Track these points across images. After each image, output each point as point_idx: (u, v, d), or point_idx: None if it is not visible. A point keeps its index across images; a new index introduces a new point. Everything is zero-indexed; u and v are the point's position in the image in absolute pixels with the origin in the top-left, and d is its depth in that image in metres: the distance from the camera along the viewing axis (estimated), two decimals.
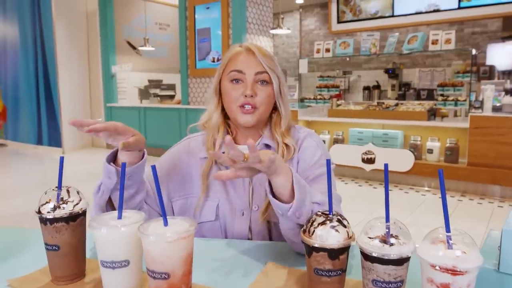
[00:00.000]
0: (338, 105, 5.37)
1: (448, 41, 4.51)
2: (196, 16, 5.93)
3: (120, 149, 0.89)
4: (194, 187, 1.14)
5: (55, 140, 7.23)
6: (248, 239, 1.11)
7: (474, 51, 4.57)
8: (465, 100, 4.44)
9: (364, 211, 3.55)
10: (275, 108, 1.14)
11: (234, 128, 1.16)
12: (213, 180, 1.12)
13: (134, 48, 7.86)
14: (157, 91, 7.38)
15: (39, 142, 7.55)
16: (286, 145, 1.11)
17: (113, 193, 0.97)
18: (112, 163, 0.93)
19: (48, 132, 7.35)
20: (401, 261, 0.67)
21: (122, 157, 0.94)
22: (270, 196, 0.87)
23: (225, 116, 1.15)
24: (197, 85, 6.12)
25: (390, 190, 4.25)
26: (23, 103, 7.78)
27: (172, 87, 7.56)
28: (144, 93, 7.51)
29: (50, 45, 7.00)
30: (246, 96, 1.05)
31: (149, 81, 7.68)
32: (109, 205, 0.99)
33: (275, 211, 0.89)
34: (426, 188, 4.49)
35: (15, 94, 7.95)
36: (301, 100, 5.72)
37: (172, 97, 7.41)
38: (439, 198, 4.14)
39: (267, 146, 1.13)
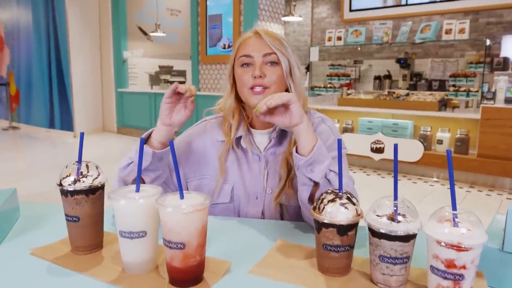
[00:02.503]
0: (348, 94, 5.35)
1: (462, 30, 4.46)
2: (207, 2, 5.91)
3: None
4: (210, 169, 1.17)
5: (67, 124, 7.33)
6: None
7: (488, 42, 4.51)
8: (477, 91, 4.40)
9: (371, 200, 3.55)
10: (287, 91, 1.15)
11: (250, 113, 1.17)
12: (229, 164, 1.15)
13: (145, 33, 7.88)
14: (168, 77, 7.40)
15: (51, 125, 7.65)
16: None
17: (144, 173, 1.02)
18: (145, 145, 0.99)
19: (60, 116, 7.44)
20: (408, 238, 0.70)
21: (157, 136, 1.01)
22: (294, 151, 0.95)
23: (240, 101, 1.16)
24: (207, 71, 6.13)
25: (399, 180, 4.23)
26: (36, 87, 7.88)
27: (182, 73, 7.58)
28: (154, 79, 7.54)
29: (62, 30, 7.05)
30: (255, 77, 1.07)
31: (160, 67, 7.69)
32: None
33: (295, 165, 0.97)
34: (435, 179, 4.48)
35: (28, 78, 8.04)
36: (311, 88, 5.70)
37: (182, 83, 7.42)
38: (447, 188, 4.13)
39: (283, 131, 1.14)
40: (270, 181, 1.13)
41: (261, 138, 1.17)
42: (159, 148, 1.01)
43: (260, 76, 1.07)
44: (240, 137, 1.15)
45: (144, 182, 1.03)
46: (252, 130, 1.18)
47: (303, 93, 1.15)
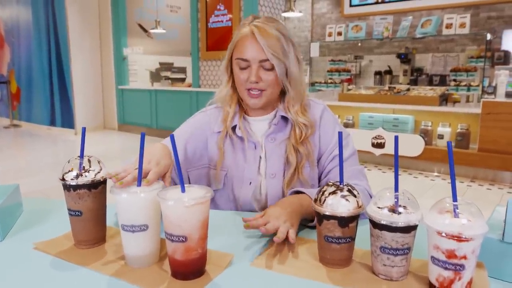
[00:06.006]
0: (348, 90, 5.34)
1: (462, 25, 4.44)
2: None
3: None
4: (208, 158, 1.19)
5: (67, 121, 7.33)
6: (254, 208, 1.16)
7: (489, 36, 4.49)
8: (478, 86, 4.39)
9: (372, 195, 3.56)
10: (283, 90, 1.17)
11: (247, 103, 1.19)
12: (225, 151, 1.18)
13: (145, 30, 7.86)
14: (168, 74, 7.39)
15: (52, 123, 7.66)
16: (303, 124, 1.15)
17: None
18: None
19: (61, 113, 7.44)
20: (409, 229, 0.70)
21: None
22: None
23: (237, 90, 1.19)
24: (208, 68, 6.13)
25: (399, 175, 4.22)
26: (37, 85, 7.87)
27: (183, 70, 7.57)
28: (155, 76, 7.53)
29: (62, 27, 7.04)
30: (251, 82, 1.09)
31: (160, 63, 7.69)
32: None
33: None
34: (436, 174, 4.48)
35: (29, 76, 8.04)
36: (312, 84, 5.69)
37: (183, 80, 7.42)
38: (448, 183, 4.13)
39: (284, 118, 1.17)
40: (271, 166, 1.15)
41: (259, 125, 1.19)
42: None
43: (256, 82, 1.09)
44: (236, 125, 1.17)
45: None
46: (249, 118, 1.20)
47: (302, 88, 1.16)
